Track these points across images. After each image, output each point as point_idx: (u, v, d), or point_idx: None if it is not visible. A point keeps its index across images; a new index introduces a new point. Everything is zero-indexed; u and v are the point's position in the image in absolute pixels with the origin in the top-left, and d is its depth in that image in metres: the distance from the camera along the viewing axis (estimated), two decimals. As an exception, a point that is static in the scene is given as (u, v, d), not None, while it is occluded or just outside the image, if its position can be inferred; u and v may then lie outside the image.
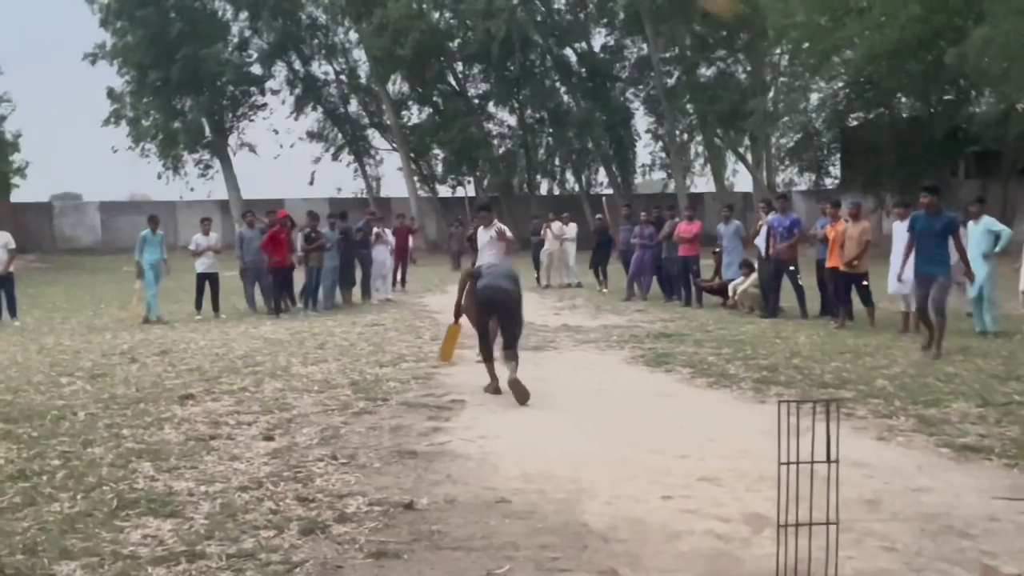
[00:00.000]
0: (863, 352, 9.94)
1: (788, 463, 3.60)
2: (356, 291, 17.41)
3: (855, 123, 30.34)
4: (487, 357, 8.22)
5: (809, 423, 3.67)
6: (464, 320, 8.68)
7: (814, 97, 29.57)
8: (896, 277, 10.79)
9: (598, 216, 21.29)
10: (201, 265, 15.40)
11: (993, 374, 8.44)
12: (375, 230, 17.81)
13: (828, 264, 12.62)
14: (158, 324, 14.23)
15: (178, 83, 37.45)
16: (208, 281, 15.39)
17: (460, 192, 42.35)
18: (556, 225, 20.66)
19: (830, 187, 31.76)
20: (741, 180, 43.31)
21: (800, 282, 13.57)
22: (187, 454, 5.97)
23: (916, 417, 6.77)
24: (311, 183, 43.83)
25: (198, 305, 15.33)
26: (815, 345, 10.61)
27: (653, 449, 6.03)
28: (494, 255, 10.29)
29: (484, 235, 10.60)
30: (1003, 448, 5.88)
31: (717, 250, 15.93)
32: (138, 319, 14.56)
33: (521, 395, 7.64)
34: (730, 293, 14.85)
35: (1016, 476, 5.35)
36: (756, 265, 14.35)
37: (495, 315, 8.12)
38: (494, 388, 8.08)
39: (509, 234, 10.68)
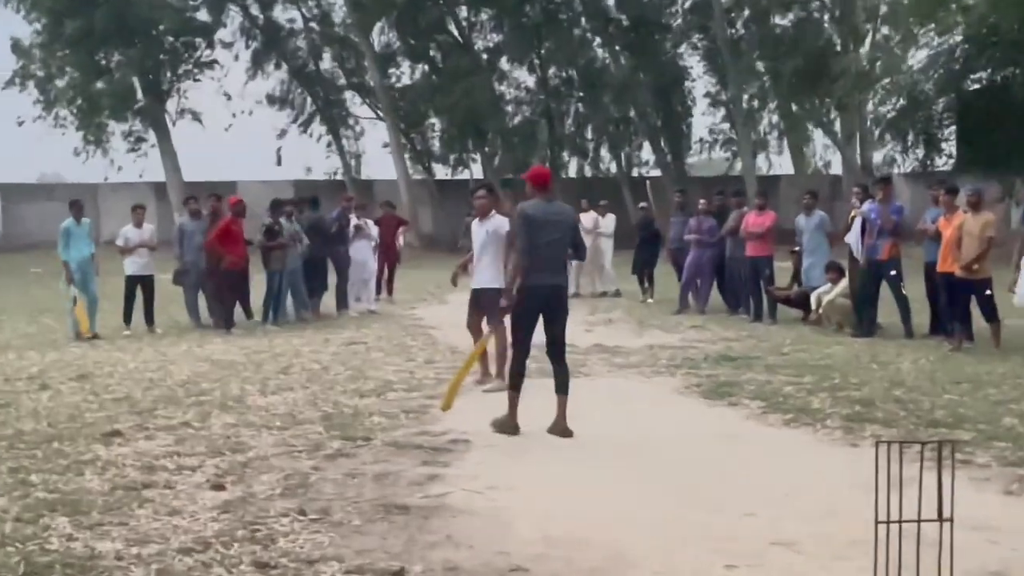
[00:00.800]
0: (985, 382, 9.92)
1: (888, 522, 3.62)
2: (330, 299, 17.47)
3: (976, 87, 30.26)
4: (515, 384, 8.13)
5: (915, 472, 3.68)
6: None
7: (923, 53, 29.56)
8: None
9: (642, 205, 21.34)
10: (132, 266, 15.47)
11: None
12: (354, 222, 17.87)
13: (940, 268, 12.60)
14: (81, 341, 14.31)
15: (102, 33, 37.54)
16: (140, 286, 15.45)
17: (464, 174, 42.49)
18: (588, 217, 20.68)
19: (943, 168, 31.68)
20: (828, 159, 43.16)
21: (904, 291, 13.56)
22: (114, 507, 6.01)
23: (1055, 466, 6.77)
24: (279, 163, 43.77)
25: (127, 317, 15.40)
26: (923, 372, 10.59)
27: (713, 506, 6.04)
28: (490, 261, 10.03)
29: (480, 230, 10.26)
30: None
31: (796, 249, 15.93)
32: (87, 333, 14.64)
33: (563, 433, 7.93)
34: (813, 305, 14.83)
35: None
36: (846, 269, 14.34)
37: (542, 314, 8.09)
38: (512, 426, 8.04)
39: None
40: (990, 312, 12.32)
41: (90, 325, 14.81)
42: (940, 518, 3.67)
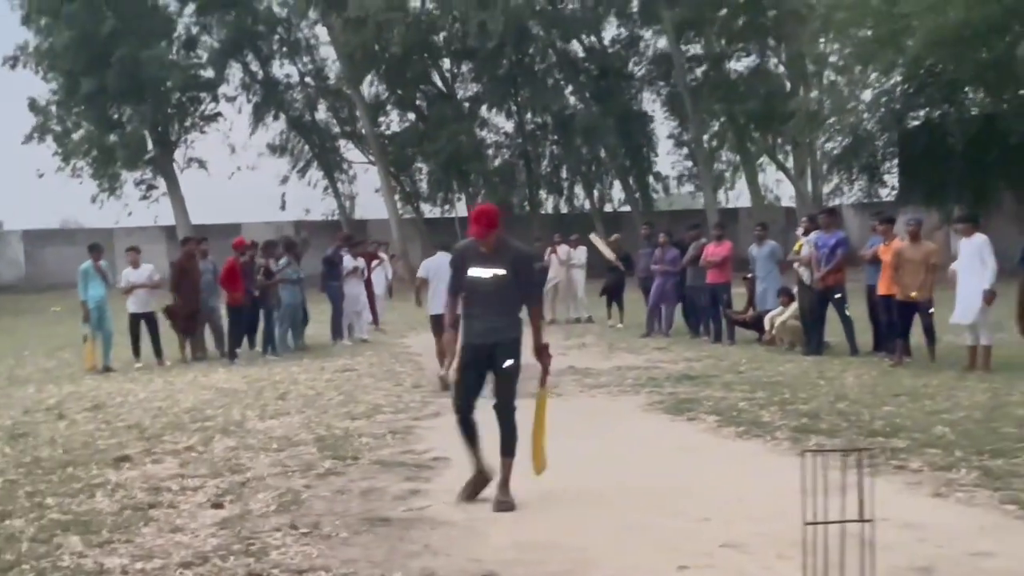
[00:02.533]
0: (921, 394, 10.01)
1: (815, 523, 3.69)
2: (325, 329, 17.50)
3: (915, 124, 30.52)
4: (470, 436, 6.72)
5: (850, 477, 3.73)
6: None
7: (866, 94, 29.79)
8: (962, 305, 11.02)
9: (615, 236, 21.42)
10: (133, 304, 15.36)
11: (1074, 418, 8.51)
12: (352, 263, 17.88)
13: (880, 291, 12.70)
14: (99, 374, 14.31)
15: (115, 90, 37.65)
16: (144, 322, 15.38)
17: (449, 212, 42.57)
18: (563, 249, 20.80)
19: (887, 200, 31.90)
20: (784, 192, 43.55)
21: (848, 312, 13.66)
22: (122, 525, 6.04)
23: (980, 469, 6.83)
24: (283, 207, 43.74)
25: (136, 351, 15.35)
26: (865, 386, 10.68)
27: (671, 512, 6.11)
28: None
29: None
30: (1081, 505, 5.94)
31: (749, 276, 16.02)
32: (91, 370, 14.61)
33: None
34: (766, 326, 14.93)
35: (1095, 537, 5.41)
36: (796, 293, 14.43)
37: (487, 371, 6.73)
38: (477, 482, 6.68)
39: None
40: (930, 330, 12.39)
41: (105, 359, 14.83)
42: (862, 519, 3.74)
